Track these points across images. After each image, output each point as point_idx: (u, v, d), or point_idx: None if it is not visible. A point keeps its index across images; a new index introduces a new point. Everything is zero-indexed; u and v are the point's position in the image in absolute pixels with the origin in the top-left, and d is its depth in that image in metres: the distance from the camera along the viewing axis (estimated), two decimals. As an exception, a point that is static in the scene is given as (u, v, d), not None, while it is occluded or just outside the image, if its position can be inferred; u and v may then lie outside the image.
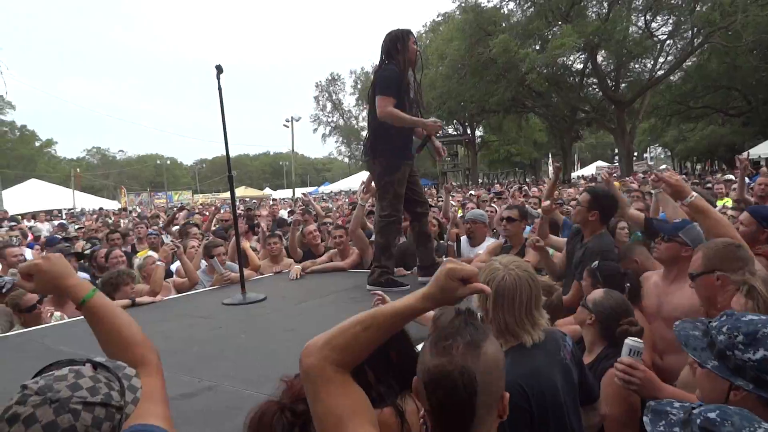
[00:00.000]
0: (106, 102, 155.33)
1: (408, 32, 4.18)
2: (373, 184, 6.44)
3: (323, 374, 1.26)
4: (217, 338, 3.21)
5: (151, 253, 5.38)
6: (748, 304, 1.85)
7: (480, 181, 44.30)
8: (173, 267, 5.63)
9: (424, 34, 41.02)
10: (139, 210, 27.33)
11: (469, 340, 1.22)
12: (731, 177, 11.21)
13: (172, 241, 6.25)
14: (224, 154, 4.46)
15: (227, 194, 6.82)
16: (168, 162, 75.41)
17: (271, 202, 21.16)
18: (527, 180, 41.40)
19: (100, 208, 27.48)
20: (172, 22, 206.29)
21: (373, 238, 5.66)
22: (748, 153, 18.93)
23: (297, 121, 41.45)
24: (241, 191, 46.26)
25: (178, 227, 8.45)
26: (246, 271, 5.17)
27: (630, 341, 2.15)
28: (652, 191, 4.67)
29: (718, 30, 24.98)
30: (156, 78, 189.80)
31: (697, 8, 26.28)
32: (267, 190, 54.55)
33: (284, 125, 40.98)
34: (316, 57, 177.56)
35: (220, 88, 4.21)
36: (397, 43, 4.07)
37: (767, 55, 27.99)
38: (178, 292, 4.94)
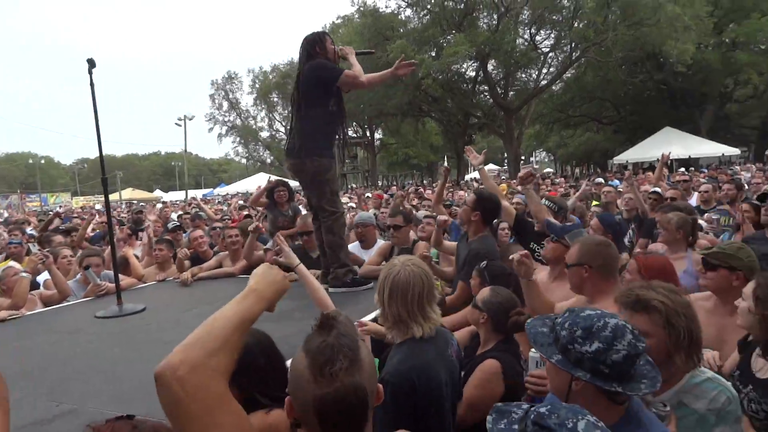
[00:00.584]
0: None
1: (324, 33, 4.20)
2: (264, 198, 6.41)
3: (216, 391, 1.12)
4: (85, 355, 2.94)
5: (12, 263, 4.83)
6: (653, 317, 1.84)
7: (379, 183, 44.95)
8: (41, 278, 5.11)
9: (323, 36, 40.86)
10: (6, 214, 24.62)
11: (351, 357, 1.19)
12: (601, 180, 12.35)
13: (39, 250, 5.69)
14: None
15: (111, 196, 6.33)
16: (42, 161, 68.60)
17: (160, 205, 19.95)
18: (424, 182, 42.66)
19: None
20: (54, 10, 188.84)
21: (268, 245, 5.52)
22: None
23: (190, 119, 39.57)
24: (128, 193, 43.41)
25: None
26: (127, 280, 4.84)
27: (533, 354, 2.25)
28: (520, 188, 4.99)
29: (593, 46, 27.29)
30: (37, 72, 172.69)
31: (575, 25, 28.55)
32: (157, 192, 51.62)
33: (176, 124, 38.99)
34: (211, 54, 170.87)
35: (92, 83, 3.94)
36: (315, 46, 4.05)
37: (633, 71, 31.14)
38: (46, 305, 4.50)
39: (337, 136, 4.18)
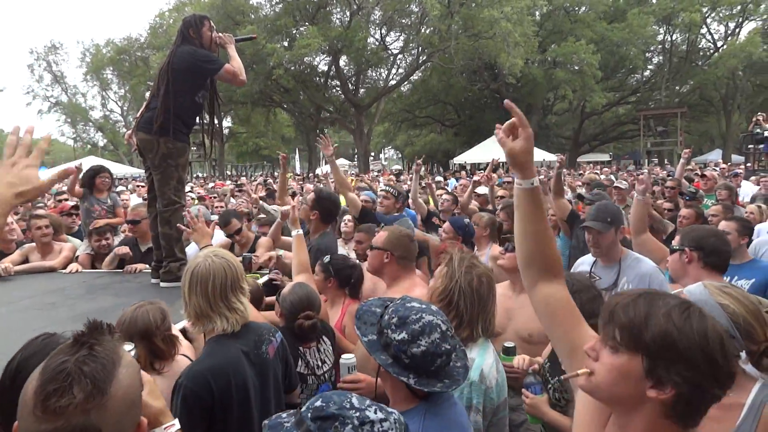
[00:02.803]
0: None
1: (202, 18, 3.93)
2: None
3: None
4: None
5: None
6: (443, 269, 2.28)
7: (228, 173, 43.23)
8: None
9: (167, 12, 38.00)
10: None
11: (90, 391, 0.97)
12: (440, 179, 13.31)
13: None
14: None
15: None
16: None
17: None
18: (274, 174, 42.01)
19: None
20: None
21: (83, 248, 5.01)
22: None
23: (1, 91, 34.38)
24: None
25: None
26: None
27: (342, 360, 2.31)
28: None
29: (437, 51, 29.11)
30: None
31: (422, 30, 30.16)
32: (-44, 174, 44.01)
33: (-17, 95, 33.56)
34: (30, 20, 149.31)
35: None
36: (189, 29, 3.80)
37: (473, 79, 33.81)
38: None
39: (195, 127, 4.04)
